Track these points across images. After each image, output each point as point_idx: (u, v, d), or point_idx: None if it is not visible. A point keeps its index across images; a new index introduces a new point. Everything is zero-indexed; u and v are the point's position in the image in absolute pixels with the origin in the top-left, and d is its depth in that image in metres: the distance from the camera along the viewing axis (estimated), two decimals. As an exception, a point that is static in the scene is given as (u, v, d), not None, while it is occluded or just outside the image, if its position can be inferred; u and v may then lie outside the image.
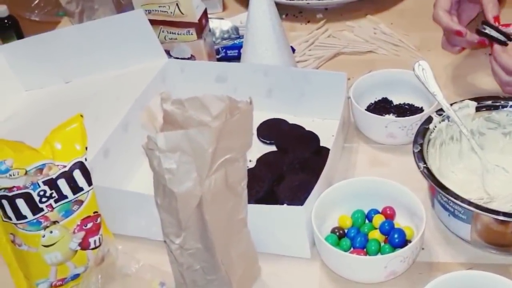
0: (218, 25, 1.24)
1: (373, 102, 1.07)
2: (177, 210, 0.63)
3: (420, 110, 1.04)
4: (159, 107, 0.64)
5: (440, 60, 1.20)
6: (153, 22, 1.04)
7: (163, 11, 1.03)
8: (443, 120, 0.91)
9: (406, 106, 1.06)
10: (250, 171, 0.92)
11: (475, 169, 0.91)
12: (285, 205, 0.83)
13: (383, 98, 1.07)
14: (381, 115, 1.05)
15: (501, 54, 0.97)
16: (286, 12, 1.38)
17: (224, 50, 1.19)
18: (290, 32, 1.30)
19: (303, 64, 1.20)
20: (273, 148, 1.00)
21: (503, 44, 0.98)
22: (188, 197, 0.63)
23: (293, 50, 1.21)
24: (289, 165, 0.90)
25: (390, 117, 1.03)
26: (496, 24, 1.00)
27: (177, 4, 1.01)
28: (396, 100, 1.07)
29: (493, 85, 1.08)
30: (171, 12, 1.03)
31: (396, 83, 1.06)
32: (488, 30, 0.99)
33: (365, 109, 1.05)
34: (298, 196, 0.82)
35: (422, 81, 0.93)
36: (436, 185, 0.79)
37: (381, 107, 1.06)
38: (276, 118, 1.05)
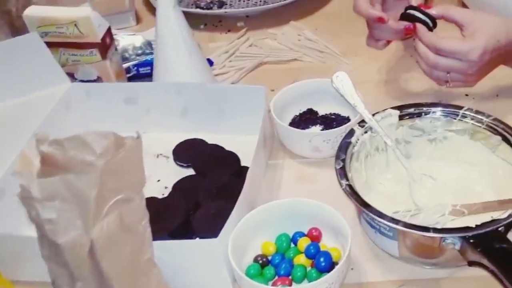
0: (131, 41, 1.19)
1: (298, 114, 1.05)
2: (66, 261, 0.59)
3: (347, 119, 1.03)
4: (35, 150, 0.59)
5: (368, 65, 1.20)
6: (51, 45, 1.00)
7: (61, 33, 0.99)
8: (366, 132, 0.89)
9: (333, 116, 1.04)
10: (164, 200, 0.89)
11: (403, 179, 0.91)
12: (197, 238, 0.80)
13: (308, 109, 1.06)
14: (307, 127, 1.03)
15: (426, 33, 0.96)
16: (205, 22, 1.35)
17: (135, 68, 1.15)
18: (209, 43, 1.28)
19: (223, 77, 1.17)
20: (191, 171, 0.97)
21: (430, 28, 0.96)
22: (76, 247, 0.59)
23: (211, 63, 1.18)
24: (205, 191, 0.87)
25: (313, 131, 1.01)
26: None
27: (75, 24, 0.97)
28: (322, 111, 1.05)
29: (423, 88, 1.07)
30: (70, 33, 0.99)
31: (321, 92, 1.05)
32: (413, 13, 0.97)
33: (290, 122, 1.04)
34: (214, 226, 0.79)
35: (341, 93, 0.92)
36: (359, 203, 0.78)
37: (307, 118, 1.05)
38: (193, 139, 1.02)
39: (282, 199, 0.85)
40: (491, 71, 0.99)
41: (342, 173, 0.83)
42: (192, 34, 1.06)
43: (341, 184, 0.81)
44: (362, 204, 0.78)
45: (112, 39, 1.06)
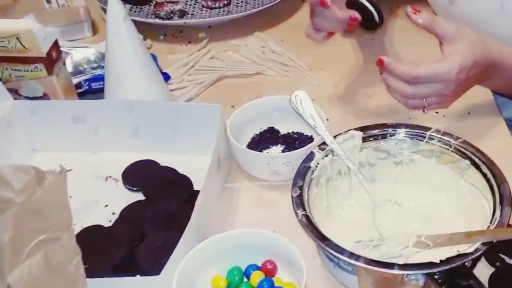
0: (85, 54, 1.13)
1: (257, 133, 0.99)
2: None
3: (310, 139, 0.98)
4: None
5: (335, 79, 1.16)
6: (-8, 59, 0.93)
7: (2, 47, 0.93)
8: (327, 155, 0.84)
9: (295, 136, 0.99)
10: (108, 230, 0.82)
11: (368, 204, 0.87)
12: (138, 275, 0.74)
13: (269, 127, 1.00)
14: (268, 147, 0.97)
15: (396, 64, 0.90)
16: (165, 33, 1.28)
17: (87, 83, 1.09)
18: (168, 55, 1.22)
19: (181, 92, 1.11)
20: (141, 196, 0.90)
21: (375, 25, 0.90)
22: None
23: (168, 77, 1.12)
24: (151, 219, 0.81)
25: (274, 151, 0.96)
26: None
27: (17, 38, 0.91)
28: (283, 129, 1.00)
29: (394, 104, 1.02)
30: (12, 47, 0.93)
31: (282, 110, 1.00)
32: (362, 0, 0.92)
33: (250, 141, 0.98)
34: (159, 261, 0.72)
35: (300, 113, 0.86)
36: (316, 237, 0.72)
37: (267, 138, 1.00)
38: (145, 160, 0.96)
39: (235, 230, 0.79)
40: (467, 91, 0.94)
41: (299, 201, 0.77)
42: (145, 48, 1.00)
43: (297, 215, 0.76)
44: (319, 238, 0.72)
45: (59, 53, 1.00)
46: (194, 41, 1.27)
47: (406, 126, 0.88)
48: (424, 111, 0.92)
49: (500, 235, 0.71)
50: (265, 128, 1.00)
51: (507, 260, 0.79)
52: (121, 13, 0.95)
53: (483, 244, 0.71)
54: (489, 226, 0.74)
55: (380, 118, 1.02)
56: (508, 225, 0.74)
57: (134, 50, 0.97)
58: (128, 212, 0.87)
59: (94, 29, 1.31)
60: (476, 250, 0.70)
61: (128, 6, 0.95)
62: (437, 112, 1.04)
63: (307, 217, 0.75)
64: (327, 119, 1.02)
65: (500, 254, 0.80)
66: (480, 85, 0.98)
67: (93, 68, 1.14)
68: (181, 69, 1.18)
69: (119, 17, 0.95)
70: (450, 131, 0.98)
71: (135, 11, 1.31)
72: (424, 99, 0.91)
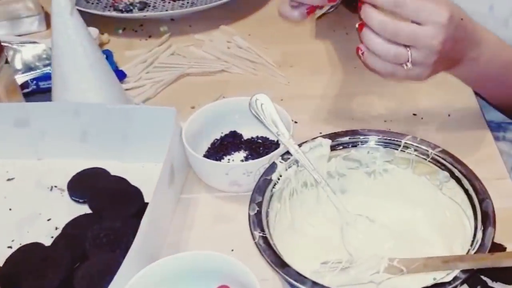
0: (34, 51, 1.03)
1: (218, 138, 0.90)
2: None
3: (276, 144, 0.89)
4: None
5: (305, 78, 1.08)
6: None
7: None
8: (290, 166, 0.75)
9: (259, 141, 0.91)
10: (46, 250, 0.74)
11: (337, 219, 0.78)
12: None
13: (231, 132, 0.92)
14: (229, 153, 0.89)
15: (373, 11, 0.75)
16: (124, 26, 1.19)
17: (34, 82, 1.00)
18: (126, 51, 1.13)
19: (137, 91, 1.03)
20: (87, 209, 0.82)
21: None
22: None
23: (124, 75, 1.03)
24: (93, 238, 0.72)
25: (236, 157, 0.88)
26: None
27: None
28: (247, 134, 0.91)
29: (368, 106, 0.93)
30: None
31: (246, 112, 0.90)
32: None
33: (209, 147, 0.90)
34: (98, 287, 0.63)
35: (261, 119, 0.78)
36: (273, 263, 0.63)
37: (229, 143, 0.91)
38: (94, 168, 0.88)
39: (185, 252, 0.70)
40: (451, 66, 0.83)
41: (257, 221, 0.69)
42: (95, 45, 0.90)
43: (253, 237, 0.67)
44: (278, 264, 0.64)
45: (1, 50, 0.90)
46: (155, 36, 1.18)
47: (379, 132, 0.80)
48: (396, 77, 0.79)
49: (481, 263, 0.63)
50: (227, 132, 0.92)
51: (490, 283, 0.71)
52: (67, 6, 0.86)
53: (463, 271, 0.63)
54: (469, 250, 0.66)
55: (354, 121, 0.95)
56: (491, 249, 0.66)
57: (83, 47, 0.88)
58: (71, 228, 0.79)
59: (48, 23, 1.21)
60: (455, 279, 0.63)
61: (74, 0, 0.85)
62: (414, 114, 0.96)
63: (265, 239, 0.67)
64: (296, 122, 0.94)
65: (482, 277, 0.72)
66: (457, 73, 0.87)
67: (45, 66, 1.05)
68: (139, 66, 1.09)
69: (65, 11, 0.86)
70: (428, 135, 0.91)
71: (92, 3, 1.22)
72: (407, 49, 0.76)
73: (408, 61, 0.75)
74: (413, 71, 0.78)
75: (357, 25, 0.78)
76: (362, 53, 0.77)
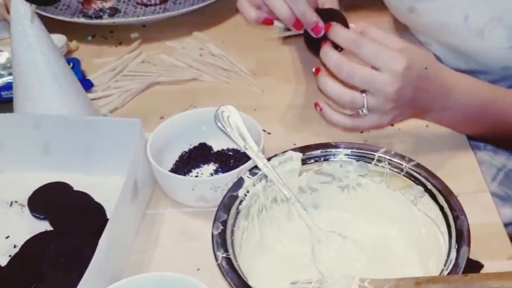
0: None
1: (187, 150, 0.87)
2: None
3: (247, 157, 0.85)
4: None
5: (281, 87, 1.04)
6: None
7: None
8: (260, 181, 0.72)
9: (230, 153, 0.88)
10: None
11: (309, 236, 0.74)
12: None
13: (200, 144, 0.89)
14: (198, 166, 0.87)
15: (340, 30, 0.77)
16: (94, 33, 1.16)
17: (-4, 91, 0.96)
18: (94, 58, 1.10)
19: (105, 101, 1.00)
20: (48, 225, 0.78)
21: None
22: None
23: (90, 84, 1.00)
24: (51, 258, 0.69)
25: (203, 173, 0.85)
26: None
27: None
28: (217, 146, 0.88)
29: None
30: None
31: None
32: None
33: (177, 160, 0.87)
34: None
35: (228, 133, 0.75)
36: (236, 286, 0.60)
37: (198, 155, 0.88)
38: (56, 183, 0.85)
39: (146, 274, 0.67)
40: (417, 115, 0.83)
41: (220, 241, 0.66)
42: (59, 53, 0.87)
43: (216, 258, 0.64)
44: (240, 287, 0.61)
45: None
46: (125, 42, 1.15)
47: (352, 146, 0.77)
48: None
49: (455, 284, 0.60)
50: (196, 144, 0.89)
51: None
52: (26, 13, 0.83)
53: (435, 293, 0.60)
54: (443, 270, 0.63)
55: (330, 132, 0.91)
56: (467, 267, 0.64)
57: (45, 57, 0.85)
58: (30, 247, 0.76)
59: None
60: (427, 301, 0.59)
61: (34, 6, 0.82)
62: (392, 125, 0.93)
63: (229, 260, 0.64)
64: (269, 133, 0.92)
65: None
66: (436, 123, 0.88)
67: (10, 74, 1.01)
68: (108, 74, 1.06)
69: (24, 19, 0.83)
70: (405, 147, 0.89)
71: (60, 9, 1.19)
72: (363, 94, 0.76)
73: (363, 106, 0.76)
74: (371, 119, 0.78)
75: (313, 69, 0.79)
76: (321, 109, 0.79)
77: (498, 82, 0.97)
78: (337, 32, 0.77)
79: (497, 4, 0.90)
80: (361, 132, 0.88)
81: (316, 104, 0.78)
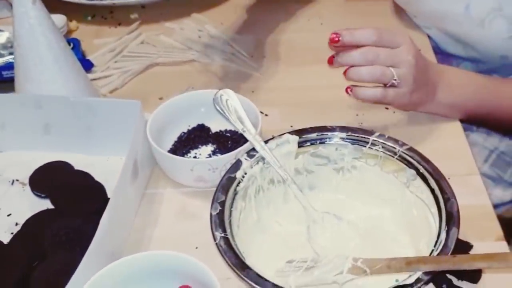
0: (-1, 37, 1.02)
1: (185, 131, 0.89)
2: None
3: (244, 138, 0.87)
4: None
5: (279, 69, 1.06)
6: None
7: None
8: (257, 163, 0.74)
9: (227, 134, 0.90)
10: (3, 248, 0.73)
11: (304, 217, 0.76)
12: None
13: (198, 125, 0.91)
14: (196, 147, 0.89)
15: (350, 52, 0.83)
16: (93, 13, 1.17)
17: (-4, 70, 0.97)
18: (94, 39, 1.12)
19: (104, 81, 1.01)
20: (49, 204, 0.81)
21: None
22: None
23: (91, 65, 1.01)
24: (53, 236, 0.71)
25: (201, 154, 0.87)
26: None
27: None
28: (215, 127, 0.90)
29: (343, 100, 0.92)
30: None
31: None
32: None
33: (176, 141, 0.89)
34: (56, 288, 0.63)
35: (226, 116, 0.77)
36: (234, 265, 0.63)
37: (196, 136, 0.90)
38: (57, 162, 0.87)
39: (146, 252, 0.69)
40: (427, 95, 0.87)
41: (218, 221, 0.68)
42: (60, 35, 0.89)
43: (214, 237, 0.66)
44: (238, 267, 0.63)
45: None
46: (124, 23, 1.16)
47: (347, 129, 0.79)
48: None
49: (443, 265, 0.62)
50: (194, 125, 0.91)
51: (455, 282, 0.71)
52: (29, -5, 0.84)
53: (425, 273, 0.62)
54: (433, 250, 0.66)
55: (326, 114, 0.94)
56: (457, 248, 0.66)
57: (46, 39, 0.86)
58: (32, 225, 0.77)
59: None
60: (417, 280, 0.62)
61: (37, -13, 0.83)
62: (386, 108, 0.95)
63: (226, 239, 0.66)
64: (266, 115, 0.93)
65: (447, 275, 0.71)
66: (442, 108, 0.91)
67: (11, 54, 1.03)
68: (107, 55, 1.07)
69: (26, 1, 0.84)
70: (399, 129, 0.91)
71: (60, -12, 1.19)
72: (392, 77, 0.82)
73: (393, 77, 0.81)
74: (400, 90, 0.83)
75: (346, 88, 0.84)
76: (351, 90, 0.83)
77: (495, 70, 1.00)
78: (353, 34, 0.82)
79: None
80: (387, 105, 0.91)
81: (347, 89, 0.83)
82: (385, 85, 0.83)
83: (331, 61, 0.83)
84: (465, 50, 1.02)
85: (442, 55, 1.07)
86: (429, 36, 1.08)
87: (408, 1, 1.04)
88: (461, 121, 0.93)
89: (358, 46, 0.81)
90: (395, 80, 0.82)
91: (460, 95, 0.88)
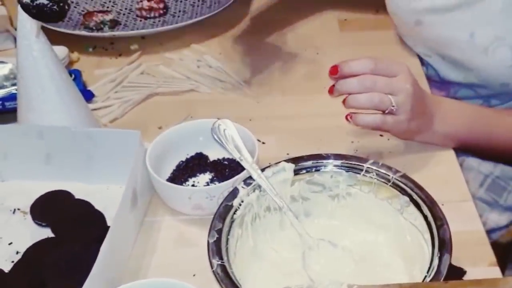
0: (0, 71, 1.03)
1: (184, 160, 0.91)
2: None
3: (242, 167, 0.88)
4: None
5: (276, 97, 1.08)
6: None
7: None
8: (254, 191, 0.76)
9: (225, 162, 0.91)
10: (3, 276, 0.73)
11: (300, 243, 0.77)
12: None
13: (197, 153, 0.92)
14: (195, 175, 0.90)
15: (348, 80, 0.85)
16: (94, 44, 1.19)
17: (0, 102, 0.99)
18: (96, 69, 1.13)
19: (105, 111, 1.03)
20: (50, 232, 0.81)
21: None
22: None
23: (91, 95, 1.03)
24: (53, 265, 0.72)
25: (199, 182, 0.89)
26: None
27: None
28: (213, 155, 0.92)
29: (341, 130, 0.94)
30: None
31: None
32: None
33: (174, 169, 0.90)
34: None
35: (224, 145, 0.78)
36: (229, 292, 0.63)
37: (195, 165, 0.91)
38: (58, 191, 0.88)
39: (145, 280, 0.70)
40: (424, 124, 0.89)
41: (215, 249, 0.69)
42: (62, 67, 0.90)
43: (211, 265, 0.67)
44: (234, 293, 0.64)
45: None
46: (125, 54, 1.18)
47: (342, 157, 0.80)
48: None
49: (435, 291, 0.63)
50: (193, 154, 0.92)
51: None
52: (32, 29, 0.86)
53: (418, 299, 0.63)
54: (426, 276, 0.67)
55: (322, 142, 0.96)
56: (450, 273, 0.67)
57: (48, 71, 0.88)
58: (32, 253, 0.78)
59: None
60: (410, 306, 0.63)
61: (40, 22, 0.85)
62: (381, 135, 0.96)
63: (223, 267, 0.67)
64: (263, 142, 0.95)
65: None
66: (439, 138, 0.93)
67: (12, 85, 1.04)
68: (108, 85, 1.09)
69: (30, 34, 0.86)
70: (394, 156, 0.92)
71: (63, 21, 1.21)
72: (390, 104, 0.84)
73: (391, 103, 0.83)
74: (398, 117, 0.84)
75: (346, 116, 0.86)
76: (351, 117, 0.85)
77: (494, 96, 1.01)
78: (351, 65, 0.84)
79: (502, 25, 0.94)
80: (385, 132, 0.92)
81: (346, 116, 0.85)
82: (383, 112, 0.84)
83: (331, 91, 0.85)
84: (466, 77, 1.03)
85: (441, 83, 1.08)
86: (428, 64, 1.10)
87: (412, 28, 1.06)
88: (455, 148, 0.94)
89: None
90: (393, 106, 0.83)
91: (453, 125, 0.90)
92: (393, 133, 0.89)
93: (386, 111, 0.84)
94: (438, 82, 1.08)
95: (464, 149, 0.96)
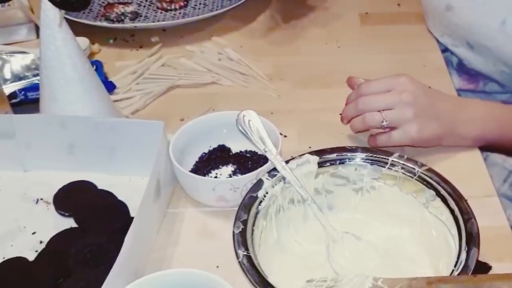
0: (23, 61, 1.03)
1: (206, 151, 0.90)
2: None
3: (264, 159, 0.88)
4: None
5: (296, 91, 1.07)
6: None
7: None
8: (278, 183, 0.75)
9: (248, 155, 0.91)
10: (28, 265, 0.74)
11: (324, 236, 0.77)
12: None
13: (219, 145, 0.92)
14: (217, 167, 0.89)
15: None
16: (115, 36, 1.19)
17: (22, 92, 1.00)
18: (116, 61, 1.13)
19: (126, 103, 1.02)
20: (73, 222, 0.82)
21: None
22: None
23: (113, 86, 1.03)
24: (77, 254, 0.72)
25: (224, 172, 0.88)
26: None
27: None
28: (235, 148, 0.91)
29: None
30: None
31: (235, 126, 0.89)
32: None
33: (197, 161, 0.90)
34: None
35: (248, 136, 0.78)
36: (256, 283, 0.63)
37: (217, 157, 0.91)
38: (80, 181, 0.88)
39: (170, 270, 0.70)
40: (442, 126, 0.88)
41: (241, 239, 0.69)
42: (85, 57, 0.90)
43: (237, 256, 0.67)
44: (261, 284, 0.64)
45: (-12, 60, 0.90)
46: (146, 46, 1.18)
47: (367, 150, 0.80)
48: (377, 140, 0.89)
49: (464, 285, 0.62)
50: (215, 146, 0.92)
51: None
52: (56, 18, 0.85)
53: (446, 293, 0.63)
54: (453, 270, 0.66)
55: (343, 135, 0.95)
56: (476, 268, 0.66)
57: (71, 59, 0.88)
58: (56, 243, 0.78)
59: (38, 31, 1.20)
60: (438, 300, 0.62)
61: (63, 11, 0.85)
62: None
63: (249, 258, 0.67)
64: (285, 136, 0.94)
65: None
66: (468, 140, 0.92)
67: (34, 76, 1.04)
68: (129, 77, 1.08)
69: (53, 24, 0.86)
70: (417, 151, 0.91)
71: (83, 13, 1.22)
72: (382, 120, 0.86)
73: (382, 119, 0.86)
74: (399, 132, 0.86)
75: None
76: (367, 140, 0.90)
77: None
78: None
79: None
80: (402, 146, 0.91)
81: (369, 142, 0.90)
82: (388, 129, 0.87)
83: (342, 119, 0.91)
84: (495, 66, 1.02)
85: (470, 75, 1.07)
86: (456, 56, 1.09)
87: (443, 13, 1.04)
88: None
89: None
90: (386, 122, 0.85)
91: (482, 129, 0.89)
92: (411, 144, 0.88)
93: (383, 128, 0.86)
94: (467, 75, 1.07)
95: (490, 147, 0.95)
